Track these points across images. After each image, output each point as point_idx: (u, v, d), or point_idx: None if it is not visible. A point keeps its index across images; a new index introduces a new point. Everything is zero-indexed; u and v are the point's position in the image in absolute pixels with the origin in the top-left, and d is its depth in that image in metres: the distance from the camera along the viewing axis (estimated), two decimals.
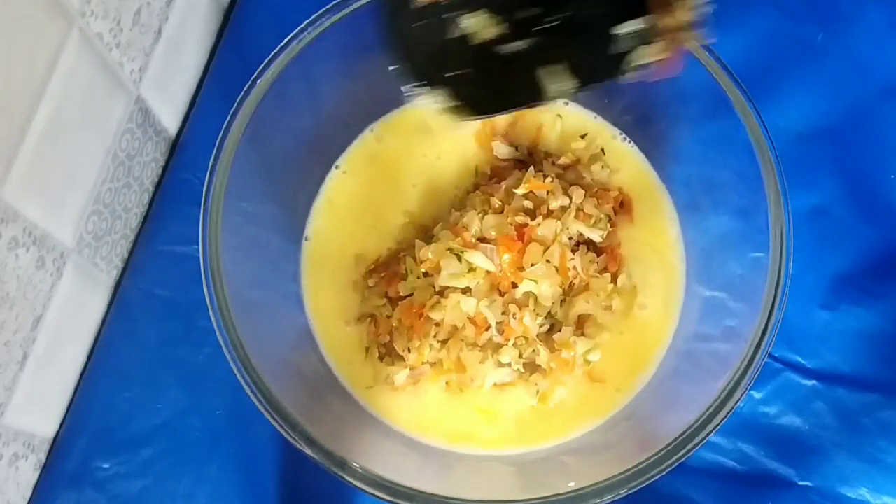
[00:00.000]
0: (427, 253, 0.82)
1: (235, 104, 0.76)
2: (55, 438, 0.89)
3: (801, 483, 0.87)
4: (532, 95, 0.70)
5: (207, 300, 0.71)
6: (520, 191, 0.83)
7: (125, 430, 0.89)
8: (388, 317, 0.84)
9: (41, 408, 0.86)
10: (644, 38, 0.65)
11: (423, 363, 0.82)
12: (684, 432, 0.70)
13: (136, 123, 0.89)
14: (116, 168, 0.88)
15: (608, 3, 0.65)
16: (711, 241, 0.84)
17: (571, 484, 0.70)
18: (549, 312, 0.83)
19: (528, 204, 0.83)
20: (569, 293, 0.85)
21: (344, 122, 0.89)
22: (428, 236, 0.85)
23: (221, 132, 0.75)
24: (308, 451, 0.70)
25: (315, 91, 0.83)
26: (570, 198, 0.84)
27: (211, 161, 0.74)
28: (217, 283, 0.72)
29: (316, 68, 0.79)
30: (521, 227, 0.82)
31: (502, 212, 0.83)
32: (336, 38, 0.79)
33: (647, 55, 0.65)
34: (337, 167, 0.89)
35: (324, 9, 0.78)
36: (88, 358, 0.91)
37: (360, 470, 0.69)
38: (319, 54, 0.78)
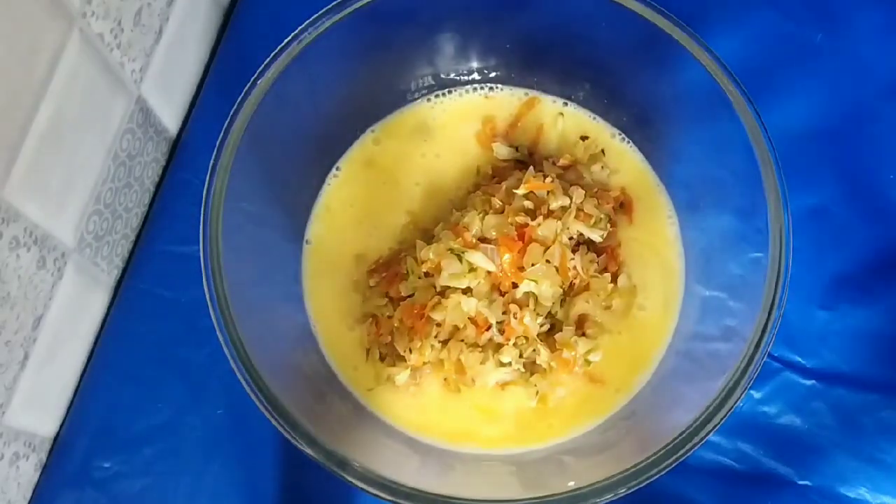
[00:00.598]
0: (428, 253, 0.82)
1: (236, 104, 0.75)
2: (56, 438, 0.89)
3: (800, 482, 0.87)
4: None
5: (208, 299, 0.71)
6: (520, 191, 0.83)
7: (126, 429, 0.89)
8: (390, 317, 0.84)
9: (42, 407, 0.86)
10: None
11: (424, 363, 0.82)
12: (684, 432, 0.70)
13: (137, 123, 0.90)
14: (117, 168, 0.88)
15: None
16: (711, 241, 0.84)
17: (571, 483, 0.70)
18: (549, 312, 0.83)
19: (528, 204, 0.83)
20: (569, 293, 0.85)
21: (344, 122, 0.89)
22: (429, 236, 0.85)
23: (222, 132, 0.75)
24: (308, 451, 0.70)
25: (315, 91, 0.84)
26: (571, 198, 0.84)
27: (211, 161, 0.74)
28: (217, 282, 0.72)
29: (316, 69, 0.79)
30: (521, 228, 0.82)
31: (503, 212, 0.83)
32: (336, 39, 0.79)
33: None
34: (338, 168, 0.90)
35: (324, 9, 0.78)
36: (89, 358, 0.92)
37: (360, 469, 0.69)
38: (320, 54, 0.78)
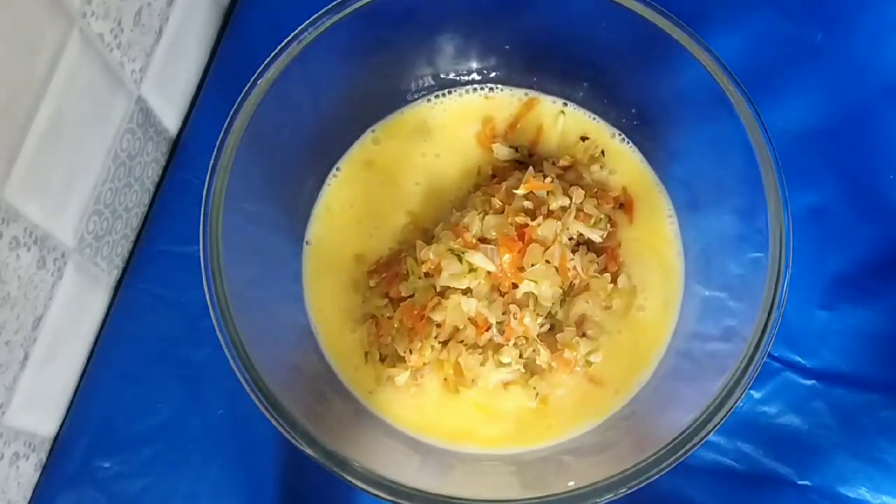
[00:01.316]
0: (428, 253, 0.81)
1: (236, 104, 0.75)
2: (56, 438, 0.89)
3: (800, 482, 0.87)
4: None
5: (208, 299, 0.71)
6: (520, 191, 0.83)
7: (126, 429, 0.89)
8: (390, 318, 0.84)
9: (42, 407, 0.86)
10: None
11: (423, 364, 0.82)
12: (683, 432, 0.70)
13: (137, 123, 0.90)
14: (117, 168, 0.88)
15: None
16: (711, 241, 0.84)
17: (571, 483, 0.70)
18: (549, 312, 0.83)
19: (528, 204, 0.83)
20: (569, 293, 0.85)
21: (344, 122, 0.89)
22: (429, 237, 0.86)
23: (222, 133, 0.75)
24: (308, 451, 0.70)
25: (315, 91, 0.84)
26: (570, 198, 0.84)
27: (211, 161, 0.74)
28: (217, 282, 0.72)
29: (316, 69, 0.80)
30: (521, 228, 0.82)
31: (503, 212, 0.83)
32: (336, 39, 0.79)
33: None
34: (338, 168, 0.90)
35: (324, 9, 0.78)
36: (89, 358, 0.92)
37: (360, 469, 0.69)
38: (320, 54, 0.79)
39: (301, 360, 0.83)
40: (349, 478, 0.69)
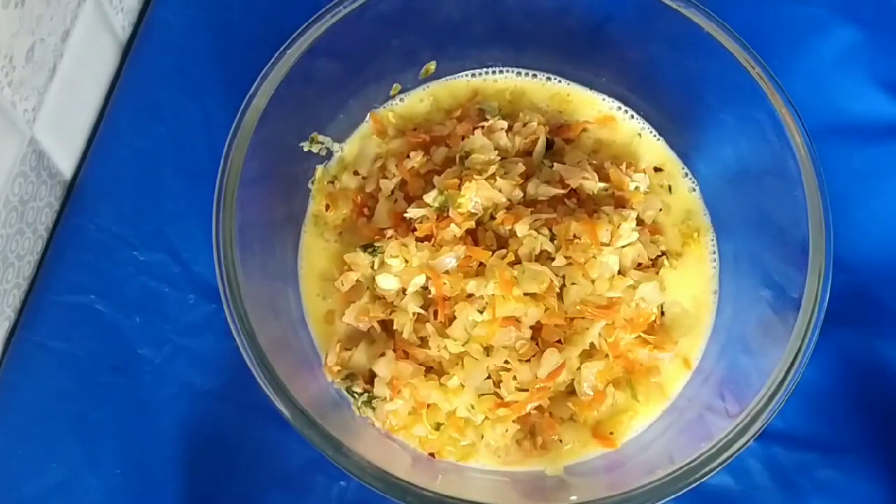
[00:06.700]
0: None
1: (240, 106, 0.77)
2: None
3: None
4: None
5: (223, 295, 0.72)
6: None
7: (17, 491, 0.85)
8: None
9: None
10: None
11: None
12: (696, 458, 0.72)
13: (30, 167, 0.86)
14: (9, 214, 0.84)
15: None
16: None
17: (573, 498, 0.73)
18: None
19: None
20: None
21: (343, 121, 0.91)
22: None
23: (227, 139, 0.75)
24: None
25: (314, 90, 0.85)
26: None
27: (220, 165, 0.75)
28: (232, 282, 0.73)
29: (316, 67, 0.82)
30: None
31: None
32: (336, 40, 0.81)
33: None
34: (335, 165, 0.92)
35: (323, 9, 0.79)
36: None
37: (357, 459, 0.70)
38: (320, 54, 0.81)
39: (304, 366, 0.83)
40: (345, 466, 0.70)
